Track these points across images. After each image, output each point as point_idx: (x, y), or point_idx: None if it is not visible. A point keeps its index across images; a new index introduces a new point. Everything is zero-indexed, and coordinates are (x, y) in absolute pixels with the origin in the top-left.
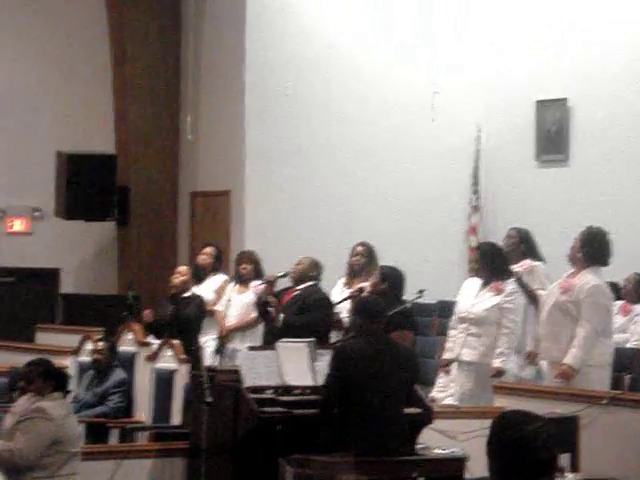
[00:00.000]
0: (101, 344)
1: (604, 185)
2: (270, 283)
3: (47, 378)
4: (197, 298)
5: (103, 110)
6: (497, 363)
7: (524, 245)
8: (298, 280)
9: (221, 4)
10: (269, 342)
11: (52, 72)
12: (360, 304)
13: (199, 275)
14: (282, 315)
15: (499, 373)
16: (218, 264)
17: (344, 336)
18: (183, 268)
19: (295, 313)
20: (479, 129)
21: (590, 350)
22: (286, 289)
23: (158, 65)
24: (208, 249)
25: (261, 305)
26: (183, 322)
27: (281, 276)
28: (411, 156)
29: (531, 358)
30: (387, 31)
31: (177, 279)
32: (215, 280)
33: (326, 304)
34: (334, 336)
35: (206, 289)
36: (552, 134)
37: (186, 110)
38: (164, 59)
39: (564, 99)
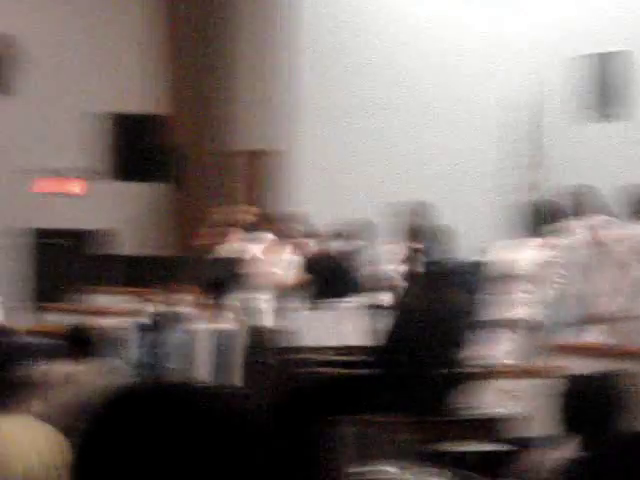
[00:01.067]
0: (160, 305)
1: None
2: (321, 243)
3: (75, 345)
4: (233, 259)
5: (157, 72)
6: (543, 318)
7: (592, 202)
8: (352, 238)
9: None
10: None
11: (105, 36)
12: (425, 266)
13: (248, 234)
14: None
15: (539, 326)
16: (264, 223)
17: (397, 296)
18: (253, 208)
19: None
20: (539, 83)
21: None
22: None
23: (210, 25)
24: (250, 208)
25: (315, 263)
26: (223, 281)
27: (333, 236)
28: (467, 114)
29: (581, 328)
30: None
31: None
32: (261, 240)
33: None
34: (386, 297)
35: (252, 248)
36: (612, 88)
37: (241, 71)
38: (215, 18)
39: (627, 52)
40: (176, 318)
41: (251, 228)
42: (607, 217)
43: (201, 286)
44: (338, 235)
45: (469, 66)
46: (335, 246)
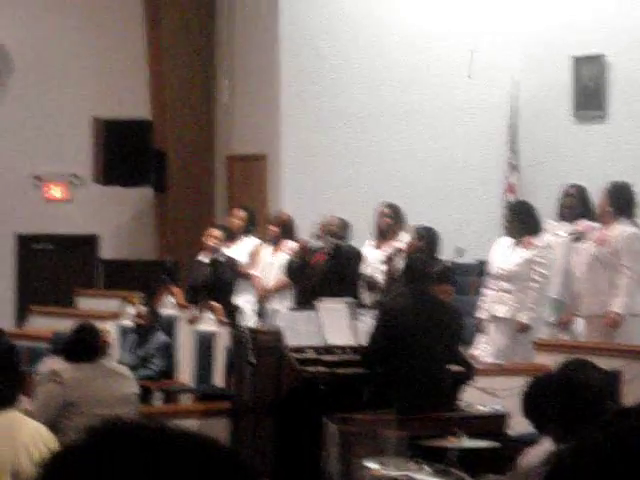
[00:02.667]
0: (142, 308)
1: None
2: (302, 249)
3: (72, 344)
4: (231, 261)
5: (139, 76)
6: (524, 318)
7: (582, 204)
8: (329, 241)
9: None
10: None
11: (86, 39)
12: (408, 264)
13: (231, 237)
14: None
15: (525, 328)
16: (251, 227)
17: (380, 296)
18: (217, 232)
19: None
20: (516, 86)
21: (634, 296)
22: (316, 250)
23: (193, 29)
24: (239, 212)
25: (297, 268)
26: (220, 285)
27: (315, 238)
28: (448, 115)
29: (563, 324)
30: None
31: (210, 241)
32: (247, 243)
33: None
34: (368, 297)
35: (238, 251)
36: (590, 90)
37: (222, 74)
38: (198, 22)
39: (602, 55)
40: (159, 320)
41: (236, 231)
42: (589, 217)
43: (184, 288)
44: (318, 236)
45: (451, 69)
46: (316, 247)
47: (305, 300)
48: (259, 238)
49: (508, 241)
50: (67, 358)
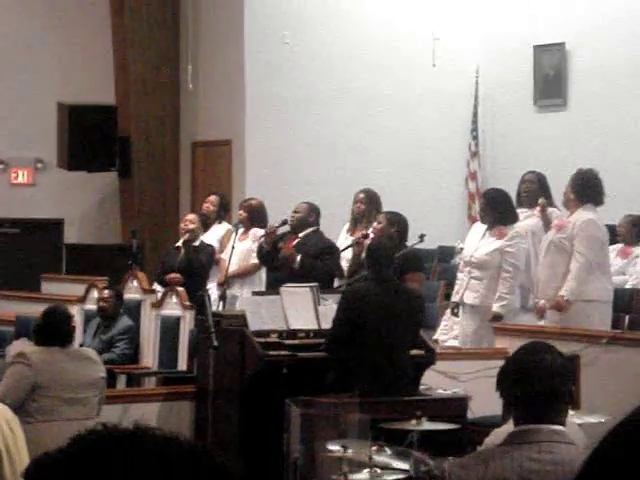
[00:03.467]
0: (107, 292)
1: (602, 129)
2: (270, 234)
3: (41, 328)
4: (209, 247)
5: (103, 61)
6: (496, 307)
7: (542, 190)
8: (297, 227)
9: None
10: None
11: (51, 24)
12: (371, 249)
13: (205, 223)
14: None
15: (497, 317)
16: (223, 213)
17: (346, 282)
18: (192, 216)
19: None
20: (478, 74)
21: (585, 282)
22: (285, 236)
23: (157, 15)
24: (212, 198)
25: (267, 254)
26: (195, 270)
27: (280, 225)
28: (411, 102)
29: (540, 313)
30: None
31: (188, 227)
32: (219, 229)
33: (335, 250)
34: (335, 282)
35: (210, 237)
36: (550, 78)
37: (186, 60)
38: (163, 9)
39: (561, 43)
40: (122, 304)
41: (209, 217)
42: (554, 204)
43: (150, 272)
44: (284, 222)
45: (415, 58)
46: (282, 232)
47: (274, 283)
48: (229, 224)
49: (483, 228)
50: (37, 342)
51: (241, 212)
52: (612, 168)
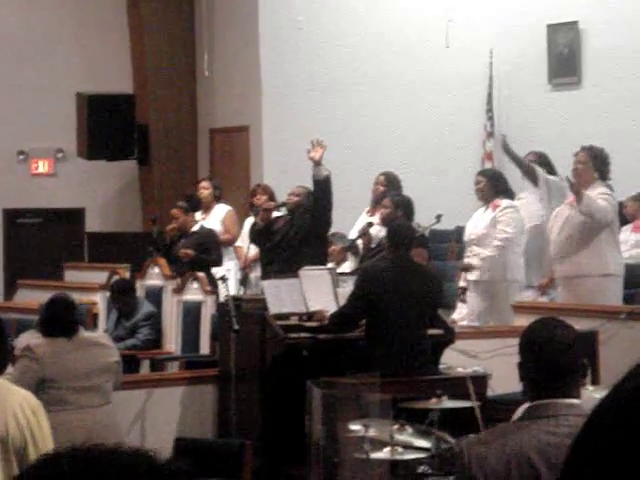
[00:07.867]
0: (128, 280)
1: (616, 107)
2: (266, 211)
3: (45, 319)
4: (212, 235)
5: (120, 51)
6: (472, 260)
7: (545, 168)
8: (295, 210)
9: None
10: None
11: (68, 16)
12: (391, 230)
13: (196, 207)
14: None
15: (467, 267)
16: (218, 192)
17: (360, 262)
18: (174, 211)
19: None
20: (492, 55)
21: (594, 204)
22: (280, 217)
23: (172, 4)
24: (204, 183)
25: (258, 232)
26: (203, 256)
27: (279, 205)
28: (426, 85)
29: (543, 289)
30: None
31: (172, 225)
32: (219, 211)
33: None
34: (350, 262)
35: (213, 221)
36: (564, 57)
37: (202, 47)
38: None
39: (575, 22)
40: (143, 291)
41: (207, 201)
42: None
43: (169, 259)
44: (283, 204)
45: (429, 40)
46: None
47: (268, 260)
48: (229, 206)
49: (483, 207)
50: (43, 333)
51: (259, 196)
52: (628, 145)
